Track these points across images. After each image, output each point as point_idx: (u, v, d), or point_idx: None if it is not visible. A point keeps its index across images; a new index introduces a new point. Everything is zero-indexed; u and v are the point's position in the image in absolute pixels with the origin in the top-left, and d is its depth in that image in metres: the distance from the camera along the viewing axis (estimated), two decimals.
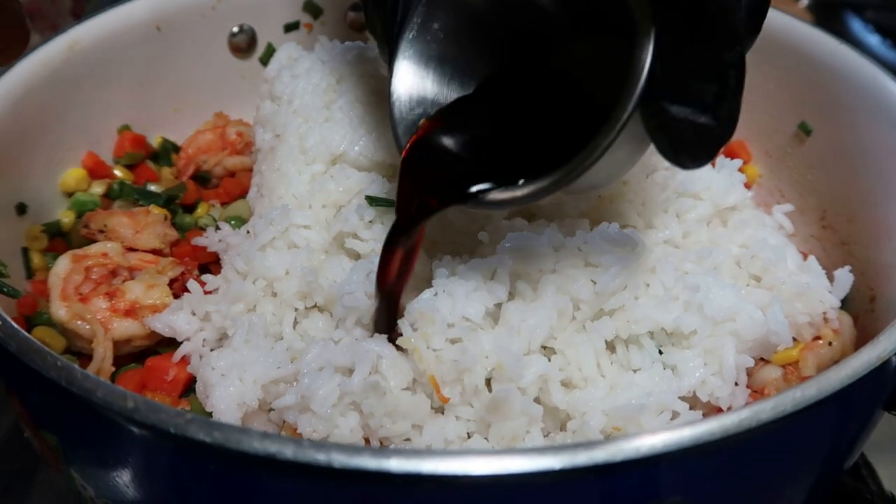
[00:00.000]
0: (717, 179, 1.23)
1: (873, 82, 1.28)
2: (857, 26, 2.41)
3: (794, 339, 1.11)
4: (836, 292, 1.16)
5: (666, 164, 1.33)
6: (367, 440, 1.00)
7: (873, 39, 2.36)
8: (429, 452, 0.79)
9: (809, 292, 1.12)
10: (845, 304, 1.19)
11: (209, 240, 1.27)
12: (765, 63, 1.46)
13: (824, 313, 1.14)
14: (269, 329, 1.12)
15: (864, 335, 1.18)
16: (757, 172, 1.53)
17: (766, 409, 0.73)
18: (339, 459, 0.70)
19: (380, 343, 1.00)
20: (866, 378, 0.80)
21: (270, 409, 1.06)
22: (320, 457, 0.70)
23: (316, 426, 0.97)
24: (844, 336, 1.15)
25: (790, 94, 1.44)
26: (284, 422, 1.02)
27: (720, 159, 1.30)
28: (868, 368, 0.80)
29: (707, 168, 1.25)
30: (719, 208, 1.22)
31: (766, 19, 1.44)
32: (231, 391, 1.03)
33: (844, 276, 1.17)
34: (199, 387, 1.08)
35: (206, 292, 1.17)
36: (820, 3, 2.44)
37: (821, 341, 1.13)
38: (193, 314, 1.15)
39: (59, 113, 1.35)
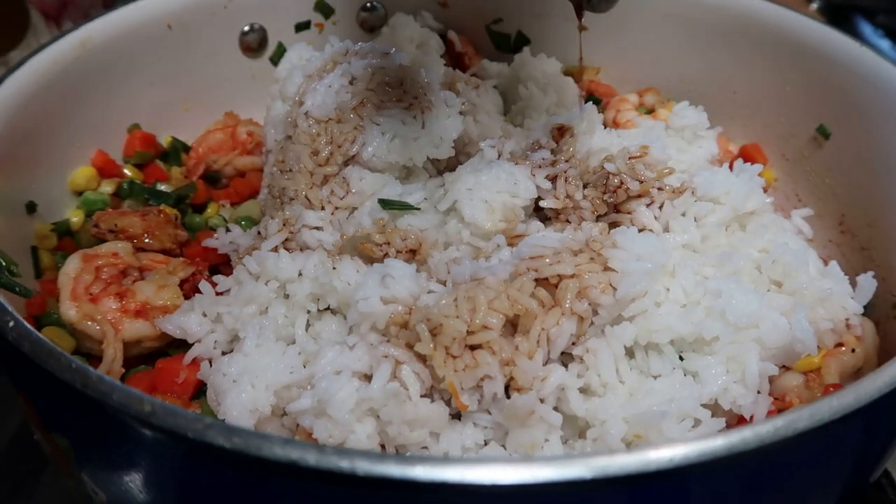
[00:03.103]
0: (736, 184, 1.20)
1: (894, 84, 1.26)
2: (867, 31, 2.40)
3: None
4: (858, 298, 1.14)
5: (683, 166, 1.33)
6: (382, 446, 0.98)
7: (884, 44, 2.35)
8: (454, 460, 0.77)
9: (832, 298, 1.10)
10: (866, 310, 1.17)
11: (220, 241, 1.25)
12: (782, 65, 1.44)
13: (846, 319, 1.12)
14: (280, 332, 1.10)
15: (886, 342, 1.16)
16: (773, 176, 1.50)
17: (803, 418, 0.71)
18: (363, 467, 0.68)
19: (398, 349, 0.98)
20: None
21: (283, 415, 1.04)
22: (344, 464, 0.68)
23: (332, 431, 0.95)
24: (867, 343, 1.13)
25: (808, 96, 1.42)
26: (298, 426, 1.00)
27: (738, 163, 1.28)
28: None
29: (725, 172, 1.23)
30: (738, 213, 1.20)
31: (782, 20, 1.44)
32: (243, 397, 1.01)
33: (867, 282, 1.15)
34: (209, 394, 1.06)
35: (217, 293, 1.15)
36: (830, 8, 2.43)
37: (843, 348, 1.11)
38: (205, 315, 1.13)
39: (69, 111, 1.33)
